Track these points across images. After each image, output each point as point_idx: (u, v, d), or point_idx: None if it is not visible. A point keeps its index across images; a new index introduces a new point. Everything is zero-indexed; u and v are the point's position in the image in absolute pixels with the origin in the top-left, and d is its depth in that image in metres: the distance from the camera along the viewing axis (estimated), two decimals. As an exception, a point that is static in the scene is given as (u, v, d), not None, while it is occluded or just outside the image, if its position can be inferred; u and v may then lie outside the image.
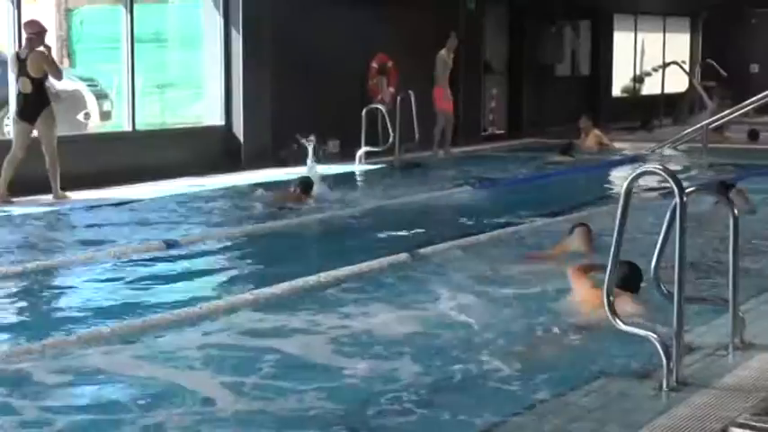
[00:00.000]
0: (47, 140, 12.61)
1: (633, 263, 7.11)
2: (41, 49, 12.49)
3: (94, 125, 15.93)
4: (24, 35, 12.77)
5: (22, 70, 12.52)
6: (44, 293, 8.34)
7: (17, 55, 12.67)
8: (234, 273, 9.17)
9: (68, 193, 12.84)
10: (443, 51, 18.54)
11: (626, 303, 6.68)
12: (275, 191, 13.13)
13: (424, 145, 17.40)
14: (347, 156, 16.91)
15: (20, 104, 12.65)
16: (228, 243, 10.29)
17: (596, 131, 18.78)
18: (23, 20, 13.12)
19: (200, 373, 6.11)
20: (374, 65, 18.86)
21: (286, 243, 10.49)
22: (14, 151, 12.56)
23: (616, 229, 5.46)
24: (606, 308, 5.46)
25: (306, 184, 12.73)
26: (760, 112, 22.81)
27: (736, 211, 6.01)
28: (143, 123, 15.58)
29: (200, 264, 9.51)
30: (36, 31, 12.54)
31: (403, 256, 9.19)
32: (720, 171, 15.88)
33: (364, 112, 17.00)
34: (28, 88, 12.49)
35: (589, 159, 17.72)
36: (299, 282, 8.17)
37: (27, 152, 12.55)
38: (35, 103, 12.53)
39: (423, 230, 11.08)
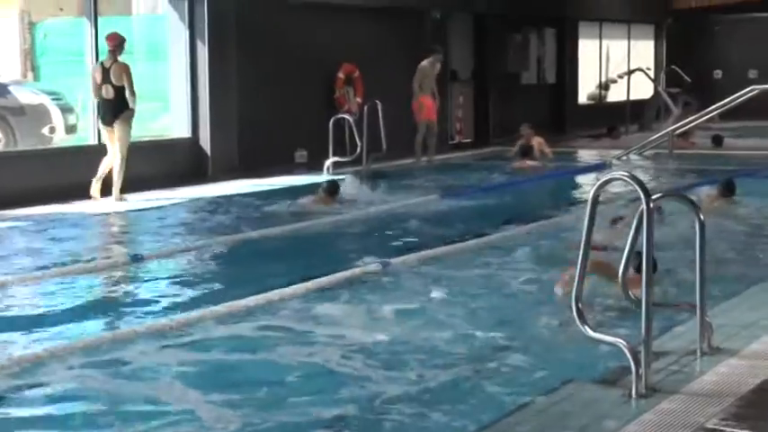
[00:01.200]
0: (122, 141, 13.78)
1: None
2: (123, 60, 13.80)
3: (60, 139, 15.83)
4: (107, 47, 13.89)
5: (105, 78, 13.72)
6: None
7: (102, 64, 13.83)
8: (202, 285, 9.11)
9: (125, 197, 13.82)
10: (426, 63, 18.58)
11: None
12: (306, 198, 13.35)
13: (391, 154, 17.40)
14: (315, 166, 16.90)
15: (102, 110, 13.92)
16: (196, 256, 10.23)
17: (538, 139, 18.72)
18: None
19: (173, 385, 6.08)
20: (341, 75, 18.88)
21: (254, 255, 10.46)
22: (111, 153, 13.88)
23: (584, 235, 5.47)
24: (575, 316, 5.46)
25: (331, 187, 13.25)
26: (724, 118, 22.97)
27: (702, 217, 6.04)
28: (109, 137, 15.49)
29: (166, 277, 9.46)
30: (117, 43, 13.81)
31: (373, 266, 9.18)
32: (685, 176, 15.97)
33: (331, 122, 17.00)
34: (110, 94, 13.73)
35: (560, 166, 17.76)
36: (273, 294, 8.12)
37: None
38: (115, 109, 13.76)
39: (392, 240, 11.09)
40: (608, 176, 5.75)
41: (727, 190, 12.40)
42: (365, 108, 17.26)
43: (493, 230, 11.35)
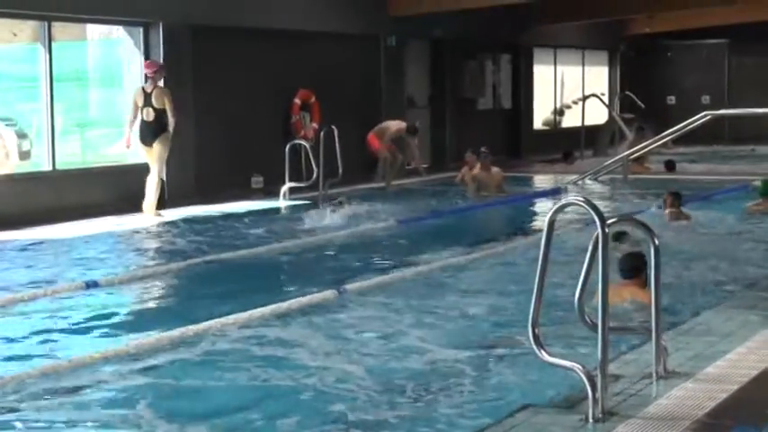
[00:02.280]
0: (160, 160, 14.88)
1: (637, 252, 8.08)
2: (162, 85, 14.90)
3: (13, 165, 15.71)
4: (147, 73, 14.98)
5: (147, 102, 14.68)
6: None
7: (143, 89, 14.80)
8: (157, 311, 9.06)
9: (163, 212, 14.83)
10: (395, 128, 18.66)
11: (636, 293, 7.75)
12: None
13: (347, 180, 17.40)
14: (271, 192, 16.86)
15: (142, 131, 14.78)
16: (151, 282, 10.17)
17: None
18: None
19: (126, 412, 6.03)
20: (297, 101, 18.88)
21: (210, 281, 10.41)
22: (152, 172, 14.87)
23: (540, 260, 5.48)
24: (531, 340, 5.46)
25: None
26: (677, 143, 23.19)
27: (656, 242, 6.07)
28: (63, 163, 15.41)
29: (120, 303, 9.39)
30: (155, 70, 14.95)
31: (329, 292, 9.16)
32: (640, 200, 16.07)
33: (288, 147, 16.97)
34: (150, 117, 14.70)
35: (516, 192, 17.79)
36: (229, 319, 8.10)
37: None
38: (155, 130, 14.74)
39: (348, 266, 11.07)
40: (564, 201, 5.77)
41: (676, 198, 12.96)
42: (321, 134, 17.25)
43: (448, 255, 11.35)
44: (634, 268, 8.06)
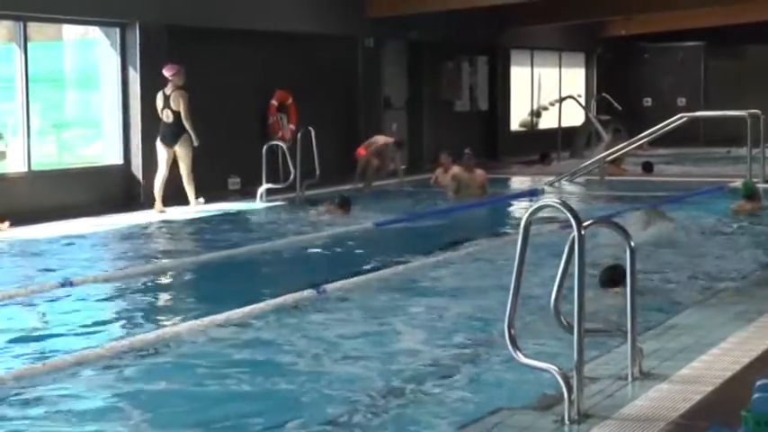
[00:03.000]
0: (185, 161, 15.54)
1: (616, 264, 8.46)
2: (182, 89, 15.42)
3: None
4: (167, 75, 15.46)
5: (166, 104, 15.41)
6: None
7: (163, 92, 15.43)
8: (133, 312, 9.03)
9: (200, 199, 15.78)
10: (382, 141, 18.75)
11: None
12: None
13: (324, 181, 17.39)
14: (248, 193, 16.84)
15: (162, 132, 15.48)
16: (127, 282, 10.14)
17: (456, 168, 18.80)
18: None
19: (102, 415, 6.01)
20: (274, 102, 18.87)
21: (186, 283, 10.39)
22: (161, 170, 15.48)
23: (516, 262, 5.49)
24: (507, 342, 5.47)
25: (343, 200, 14.82)
26: (654, 145, 23.27)
27: (633, 243, 6.09)
28: (39, 163, 15.35)
29: (96, 303, 9.36)
30: (173, 72, 15.46)
31: (308, 292, 9.15)
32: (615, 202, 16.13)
33: (265, 149, 16.96)
34: (170, 119, 15.41)
35: (493, 193, 17.81)
36: (206, 320, 8.08)
37: (170, 170, 15.51)
38: (174, 132, 15.43)
39: (328, 267, 11.07)
40: (540, 203, 5.79)
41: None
42: (298, 135, 17.24)
43: (426, 256, 11.37)
44: (611, 280, 8.49)
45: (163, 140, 15.58)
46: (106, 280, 10.20)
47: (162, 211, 15.16)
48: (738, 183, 17.22)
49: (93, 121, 16.84)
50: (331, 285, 9.43)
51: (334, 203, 14.85)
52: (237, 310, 8.39)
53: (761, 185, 16.66)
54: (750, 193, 14.79)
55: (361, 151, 18.74)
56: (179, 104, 15.37)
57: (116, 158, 16.43)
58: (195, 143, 15.55)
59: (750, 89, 29.91)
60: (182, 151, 15.56)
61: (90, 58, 16.89)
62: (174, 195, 15.93)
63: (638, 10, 25.93)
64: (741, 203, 14.70)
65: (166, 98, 15.50)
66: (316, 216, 14.71)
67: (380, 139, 19.10)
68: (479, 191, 17.35)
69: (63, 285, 9.63)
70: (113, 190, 16.14)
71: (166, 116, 15.49)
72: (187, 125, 15.38)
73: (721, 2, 24.55)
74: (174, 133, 15.47)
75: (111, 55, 16.36)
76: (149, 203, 15.77)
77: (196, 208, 15.54)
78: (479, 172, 17.69)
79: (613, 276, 8.40)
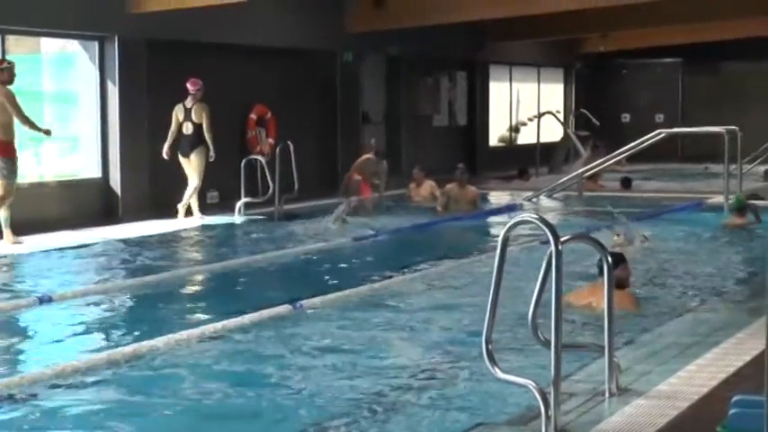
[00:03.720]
0: (198, 171, 15.94)
1: (613, 252, 8.38)
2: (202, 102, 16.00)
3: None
4: (191, 90, 16.00)
5: (187, 116, 15.91)
6: None
7: (183, 105, 15.93)
8: (111, 327, 9.00)
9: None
10: (363, 158, 18.88)
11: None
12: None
13: (303, 195, 17.39)
14: (226, 207, 16.80)
15: (182, 144, 15.99)
16: (105, 297, 10.10)
17: (430, 182, 18.88)
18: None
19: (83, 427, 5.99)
20: (253, 116, 18.87)
21: (165, 297, 10.35)
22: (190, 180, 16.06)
23: (494, 277, 5.50)
24: (485, 356, 5.48)
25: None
26: (632, 161, 23.36)
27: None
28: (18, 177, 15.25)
29: (75, 318, 9.32)
30: (198, 88, 16.01)
31: (285, 307, 9.13)
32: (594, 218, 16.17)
33: (243, 163, 16.94)
34: (190, 130, 15.90)
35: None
36: (183, 334, 8.05)
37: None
38: (192, 143, 15.92)
39: (305, 282, 11.06)
40: (518, 219, 5.80)
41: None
42: (277, 149, 17.23)
43: (401, 272, 11.37)
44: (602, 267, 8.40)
45: (182, 152, 16.04)
46: (85, 294, 10.16)
47: (201, 217, 15.93)
48: (717, 199, 17.36)
49: (72, 134, 16.78)
50: (308, 301, 9.41)
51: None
52: (212, 325, 8.37)
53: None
54: (741, 207, 14.88)
55: (353, 175, 18.70)
56: (201, 117, 15.85)
57: (94, 172, 16.38)
58: (212, 157, 15.94)
59: (727, 105, 30.07)
60: (196, 161, 15.96)
61: (69, 71, 16.85)
62: (158, 207, 15.91)
63: (615, 27, 26.05)
64: (732, 218, 14.81)
65: (187, 111, 15.96)
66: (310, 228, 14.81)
67: (361, 158, 19.16)
68: (469, 206, 17.42)
69: (42, 301, 9.59)
70: (91, 204, 16.09)
71: (186, 128, 15.95)
72: (208, 137, 15.88)
73: (698, 19, 24.69)
74: (191, 144, 15.93)
75: (89, 69, 16.33)
76: (128, 217, 15.74)
77: (180, 222, 15.55)
78: (471, 188, 17.83)
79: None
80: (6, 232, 13.10)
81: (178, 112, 16.03)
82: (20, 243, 13.09)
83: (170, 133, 15.98)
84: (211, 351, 7.76)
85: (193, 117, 15.95)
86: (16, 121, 13.12)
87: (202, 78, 16.77)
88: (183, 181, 16.18)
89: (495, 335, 7.21)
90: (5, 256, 12.42)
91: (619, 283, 8.13)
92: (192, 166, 16.04)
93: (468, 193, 17.61)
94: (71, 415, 6.29)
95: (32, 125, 13.44)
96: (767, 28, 26.03)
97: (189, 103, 16.03)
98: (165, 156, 15.98)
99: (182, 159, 16.11)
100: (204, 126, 15.89)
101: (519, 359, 7.05)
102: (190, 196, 16.00)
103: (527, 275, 9.10)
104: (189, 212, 16.04)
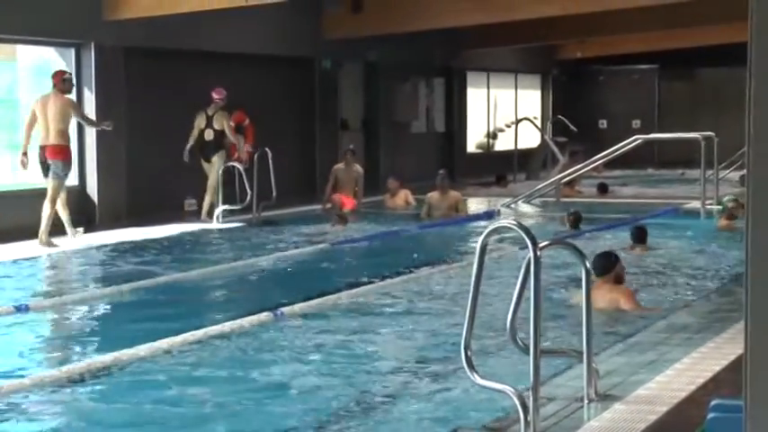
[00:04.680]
0: (214, 174, 16.68)
1: (607, 252, 9.82)
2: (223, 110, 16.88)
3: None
4: (216, 98, 16.83)
5: (208, 124, 16.71)
6: None
7: (206, 112, 16.73)
8: (90, 336, 8.97)
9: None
10: (335, 167, 18.93)
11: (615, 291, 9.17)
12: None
13: (281, 202, 17.38)
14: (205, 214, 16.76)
15: (203, 149, 16.81)
16: (84, 306, 10.06)
17: (405, 191, 18.99)
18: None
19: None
20: (231, 123, 18.81)
21: (144, 305, 10.31)
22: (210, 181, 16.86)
23: (472, 283, 5.51)
24: (464, 362, 5.48)
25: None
26: (609, 167, 23.44)
27: (588, 264, 6.13)
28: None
29: (52, 328, 9.28)
30: (222, 97, 16.84)
31: (265, 315, 9.11)
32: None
33: (221, 170, 16.91)
34: (211, 137, 16.74)
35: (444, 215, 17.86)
36: (163, 343, 8.02)
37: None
38: (213, 148, 16.80)
39: (285, 288, 11.04)
40: (496, 225, 5.81)
41: (639, 237, 13.10)
42: (255, 156, 17.21)
43: (380, 278, 11.36)
44: (601, 267, 9.26)
45: (204, 157, 16.83)
46: (63, 303, 10.11)
47: (215, 220, 16.39)
48: (693, 204, 17.47)
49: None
50: (288, 308, 9.39)
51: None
52: (191, 333, 8.34)
53: (713, 207, 16.85)
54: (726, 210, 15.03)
55: (344, 201, 18.64)
56: (222, 124, 16.71)
57: (71, 180, 16.30)
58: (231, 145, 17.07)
59: (703, 111, 30.23)
60: (217, 163, 16.73)
61: (45, 78, 16.76)
62: (136, 214, 15.87)
63: (592, 33, 26.15)
64: (727, 220, 14.93)
65: (209, 118, 16.75)
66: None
67: (335, 167, 19.14)
68: (450, 212, 17.48)
69: (18, 309, 9.54)
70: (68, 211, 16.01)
71: (208, 135, 16.76)
72: (232, 139, 16.99)
73: (674, 26, 24.81)
74: (213, 148, 16.79)
75: (66, 76, 16.26)
76: (105, 224, 15.69)
77: (158, 230, 15.49)
78: (453, 193, 17.88)
79: (605, 263, 9.32)
80: (70, 230, 14.41)
81: (200, 120, 16.73)
82: (80, 233, 14.57)
83: (191, 138, 16.71)
84: (191, 360, 7.73)
85: (215, 124, 16.71)
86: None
87: (180, 85, 16.76)
88: (162, 189, 16.14)
89: (484, 339, 7.24)
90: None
91: (618, 280, 9.34)
92: (209, 171, 16.80)
93: (449, 198, 17.66)
94: (49, 425, 6.26)
95: (96, 124, 15.11)
96: (742, 34, 26.01)
97: (211, 110, 16.76)
98: (185, 159, 16.56)
99: (203, 164, 16.84)
100: (227, 132, 16.79)
101: (500, 364, 7.05)
102: (210, 197, 16.68)
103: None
104: (210, 211, 16.60)
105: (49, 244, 13.63)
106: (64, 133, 14.17)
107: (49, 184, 14.04)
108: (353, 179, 18.96)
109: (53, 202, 13.99)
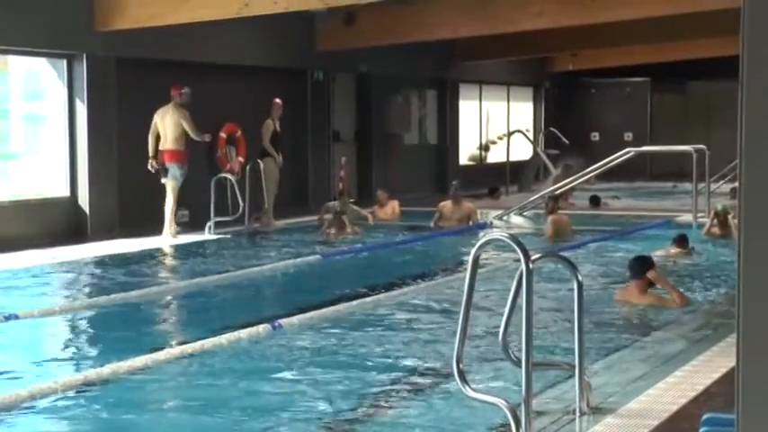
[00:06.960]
0: (272, 181, 17.60)
1: (643, 255, 10.54)
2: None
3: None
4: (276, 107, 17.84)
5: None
6: None
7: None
8: (82, 347, 8.94)
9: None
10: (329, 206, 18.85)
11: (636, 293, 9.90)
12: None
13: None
14: (196, 226, 16.75)
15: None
16: (72, 316, 10.03)
17: (393, 202, 19.05)
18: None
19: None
20: (223, 134, 18.83)
21: (135, 315, 10.28)
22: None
23: (465, 295, 5.50)
24: (456, 376, 5.46)
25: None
26: (601, 179, 23.47)
27: (580, 277, 6.12)
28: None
29: (44, 338, 9.24)
30: (279, 106, 17.86)
31: (262, 326, 9.08)
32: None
33: (213, 181, 16.91)
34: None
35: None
36: (160, 354, 7.99)
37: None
38: (259, 155, 17.67)
39: (280, 300, 11.02)
40: (488, 237, 5.80)
41: (681, 243, 13.64)
42: (247, 168, 17.21)
43: (373, 291, 11.34)
44: (634, 268, 10.06)
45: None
46: (53, 313, 10.07)
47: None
48: (685, 217, 17.51)
49: (40, 152, 16.69)
50: (286, 320, 9.34)
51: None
52: (190, 345, 8.32)
53: (704, 220, 16.88)
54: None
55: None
56: (260, 134, 17.58)
57: (62, 191, 16.30)
58: (280, 163, 17.70)
59: (694, 124, 30.29)
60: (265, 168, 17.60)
61: (36, 88, 16.76)
62: (128, 226, 15.84)
63: (584, 46, 26.19)
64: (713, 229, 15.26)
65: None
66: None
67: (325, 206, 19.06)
68: (462, 222, 17.57)
69: (8, 319, 9.50)
70: (59, 222, 15.99)
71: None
72: (266, 147, 17.58)
73: (666, 39, 24.87)
74: (258, 156, 17.56)
75: (57, 87, 16.26)
76: (97, 236, 15.67)
77: (150, 241, 15.48)
78: (467, 204, 17.95)
79: (637, 266, 10.01)
80: (171, 228, 15.88)
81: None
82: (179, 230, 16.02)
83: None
84: (188, 372, 7.70)
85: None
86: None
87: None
88: (154, 200, 16.11)
89: (479, 350, 7.23)
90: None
91: (652, 284, 9.99)
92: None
93: (463, 209, 17.74)
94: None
95: (199, 135, 16.36)
96: (733, 48, 26.15)
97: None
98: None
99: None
100: (264, 141, 17.50)
101: (493, 377, 7.04)
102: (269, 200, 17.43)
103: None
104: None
105: (175, 234, 15.74)
106: (179, 140, 15.95)
107: (168, 184, 15.94)
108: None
109: (174, 199, 15.87)
